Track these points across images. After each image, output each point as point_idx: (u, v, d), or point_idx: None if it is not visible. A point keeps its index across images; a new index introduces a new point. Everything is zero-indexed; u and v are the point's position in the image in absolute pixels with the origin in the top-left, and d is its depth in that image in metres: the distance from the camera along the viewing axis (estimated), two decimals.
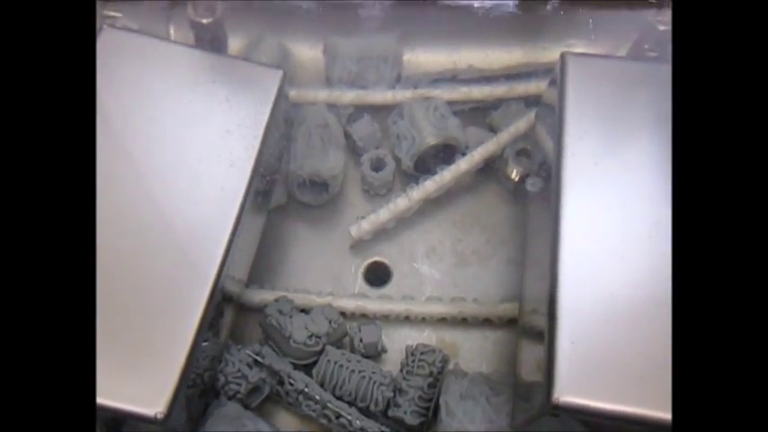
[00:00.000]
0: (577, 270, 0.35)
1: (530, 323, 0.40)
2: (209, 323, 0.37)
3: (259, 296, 0.46)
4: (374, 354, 0.45)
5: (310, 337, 0.42)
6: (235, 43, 0.50)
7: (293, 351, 0.43)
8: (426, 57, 0.55)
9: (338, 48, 0.52)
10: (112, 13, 0.50)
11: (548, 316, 0.34)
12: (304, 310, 0.45)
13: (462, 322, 0.46)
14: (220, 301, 0.39)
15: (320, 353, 0.43)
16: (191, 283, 0.36)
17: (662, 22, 0.44)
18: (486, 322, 0.46)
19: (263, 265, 0.48)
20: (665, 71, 0.41)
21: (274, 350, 0.43)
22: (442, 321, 0.47)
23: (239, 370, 0.41)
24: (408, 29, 0.54)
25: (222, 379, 0.41)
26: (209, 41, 0.45)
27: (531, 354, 0.38)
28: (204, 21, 0.44)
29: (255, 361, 0.42)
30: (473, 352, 0.46)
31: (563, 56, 0.41)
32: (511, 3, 0.50)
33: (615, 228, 0.36)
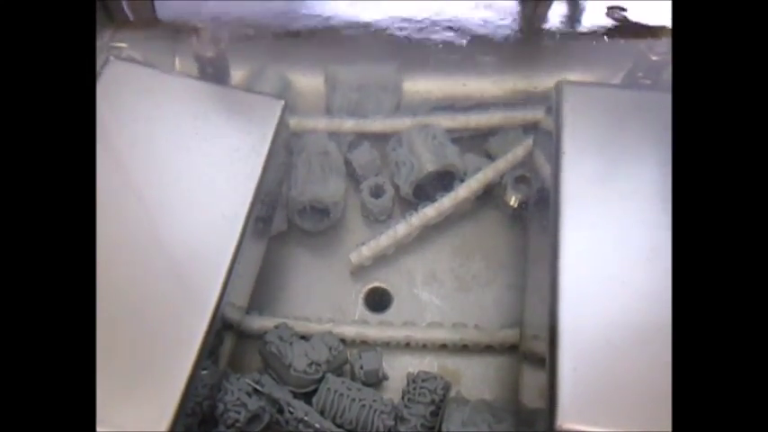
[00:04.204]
0: (577, 295, 0.35)
1: (531, 349, 0.39)
2: (209, 351, 0.36)
3: (259, 323, 0.46)
4: (375, 381, 0.44)
5: (310, 364, 0.42)
6: (237, 74, 0.51)
7: (293, 379, 0.42)
8: (425, 86, 0.56)
9: (338, 77, 0.53)
10: (119, 45, 0.51)
11: (549, 342, 0.34)
12: (304, 337, 0.44)
13: (464, 348, 0.46)
14: (220, 328, 0.38)
15: (320, 381, 0.43)
16: (191, 311, 0.36)
17: (654, 52, 0.45)
18: (488, 348, 0.46)
19: (264, 291, 0.48)
20: (659, 99, 0.42)
21: (274, 378, 0.43)
22: (444, 348, 0.46)
23: (238, 398, 0.41)
24: (407, 59, 0.55)
25: (221, 407, 0.40)
26: (213, 73, 0.47)
27: (533, 380, 0.38)
28: (208, 53, 0.45)
29: (255, 389, 0.42)
30: (475, 379, 0.45)
31: (559, 84, 0.42)
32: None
33: (614, 253, 0.36)
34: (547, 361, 0.34)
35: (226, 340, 0.41)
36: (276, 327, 0.44)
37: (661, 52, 0.45)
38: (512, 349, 0.46)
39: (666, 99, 0.41)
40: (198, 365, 0.35)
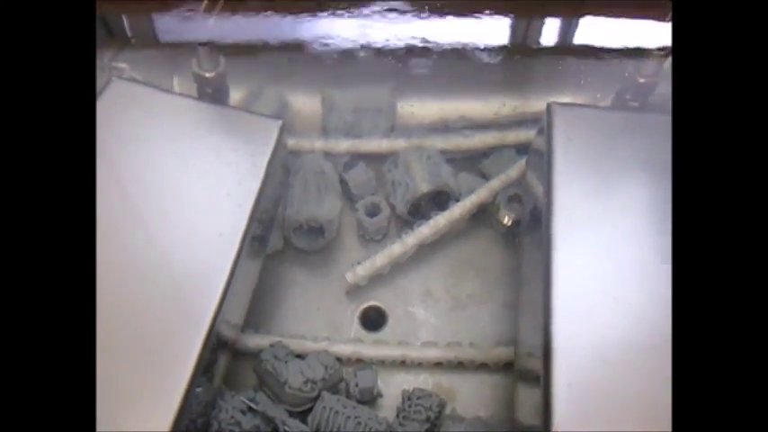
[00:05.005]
0: (571, 313, 0.35)
1: (526, 366, 0.40)
2: (204, 368, 0.36)
3: (254, 341, 0.46)
4: (370, 399, 0.44)
5: (306, 382, 0.42)
6: (236, 94, 0.52)
7: (288, 397, 0.42)
8: (419, 108, 0.57)
9: (334, 99, 0.54)
10: (121, 65, 0.52)
11: (543, 359, 0.34)
12: (299, 356, 0.44)
13: (459, 366, 0.46)
14: (215, 346, 0.38)
15: (316, 399, 0.42)
16: (186, 328, 0.36)
17: (642, 74, 0.47)
18: (483, 366, 0.46)
19: (259, 309, 0.48)
20: (648, 120, 0.43)
21: (269, 396, 0.43)
22: (439, 366, 0.46)
23: (233, 417, 0.40)
24: (402, 81, 0.56)
25: (215, 425, 0.40)
26: (212, 93, 0.47)
27: (528, 397, 0.38)
28: (207, 74, 0.46)
29: (249, 407, 0.41)
30: (470, 396, 0.45)
31: (550, 106, 0.43)
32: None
33: (606, 270, 0.37)
34: (541, 378, 0.34)
35: (221, 358, 0.41)
36: (271, 345, 0.44)
37: (648, 74, 0.47)
38: (507, 367, 0.46)
39: (654, 120, 0.43)
40: (193, 383, 0.35)
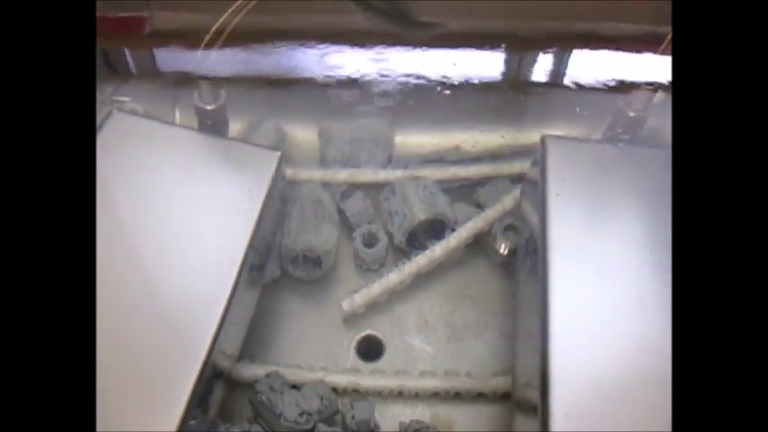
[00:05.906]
0: (568, 342, 0.36)
1: (523, 396, 0.40)
2: (199, 400, 0.36)
3: (250, 371, 0.45)
4: (367, 431, 0.44)
5: (301, 414, 0.42)
6: (235, 126, 0.53)
7: (284, 429, 0.42)
8: (415, 139, 0.58)
9: (332, 130, 0.55)
10: (121, 98, 0.53)
11: (540, 389, 0.34)
12: (295, 386, 0.44)
13: (456, 397, 0.46)
14: (211, 376, 0.38)
15: (311, 431, 0.42)
16: (182, 358, 0.36)
17: (632, 108, 0.48)
18: (480, 396, 0.46)
19: (255, 339, 0.47)
20: (638, 152, 0.44)
21: (264, 429, 0.42)
22: (436, 396, 0.46)
23: None
24: (399, 113, 0.57)
25: None
26: (212, 125, 0.48)
27: (525, 428, 0.38)
28: (208, 107, 0.47)
29: None
30: (467, 427, 0.45)
31: (543, 138, 0.44)
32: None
33: (602, 299, 0.37)
34: (539, 408, 0.34)
35: (216, 389, 0.41)
36: (267, 375, 0.44)
37: (638, 108, 0.48)
38: (504, 397, 0.46)
39: (645, 153, 0.44)
40: (187, 414, 0.34)
